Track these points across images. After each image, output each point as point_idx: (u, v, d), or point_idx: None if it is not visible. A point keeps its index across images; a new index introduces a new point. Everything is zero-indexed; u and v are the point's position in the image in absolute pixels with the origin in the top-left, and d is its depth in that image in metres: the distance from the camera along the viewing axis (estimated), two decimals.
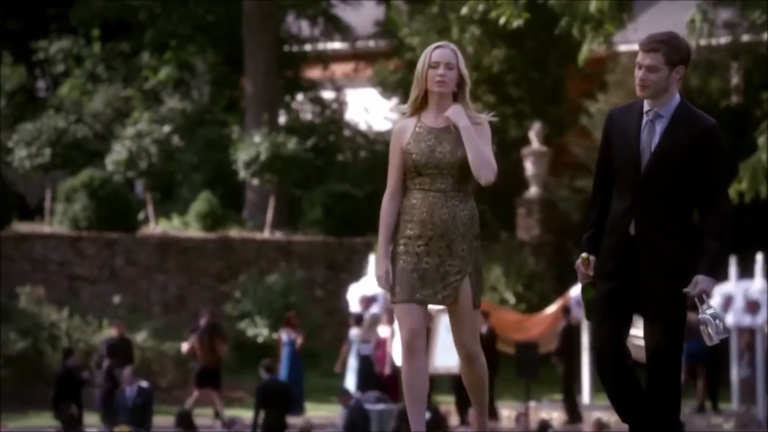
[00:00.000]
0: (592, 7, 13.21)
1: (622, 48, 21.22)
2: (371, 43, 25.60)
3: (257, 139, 21.02)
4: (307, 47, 25.65)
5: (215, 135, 23.30)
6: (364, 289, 17.24)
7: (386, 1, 25.29)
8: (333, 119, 25.05)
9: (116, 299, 19.21)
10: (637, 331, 4.97)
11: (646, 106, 5.03)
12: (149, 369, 17.62)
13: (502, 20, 13.33)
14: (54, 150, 20.28)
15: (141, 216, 21.18)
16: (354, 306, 17.42)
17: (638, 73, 4.99)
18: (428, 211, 5.13)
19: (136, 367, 15.88)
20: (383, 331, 16.72)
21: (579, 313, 16.72)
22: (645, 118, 5.02)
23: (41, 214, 20.82)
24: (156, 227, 21.15)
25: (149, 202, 21.45)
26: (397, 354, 16.93)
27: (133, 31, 24.79)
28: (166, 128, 21.91)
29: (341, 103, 25.16)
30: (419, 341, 5.13)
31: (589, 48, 13.90)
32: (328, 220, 21.15)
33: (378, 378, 16.38)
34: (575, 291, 16.92)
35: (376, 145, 24.40)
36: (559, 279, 20.57)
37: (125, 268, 20.03)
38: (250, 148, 21.00)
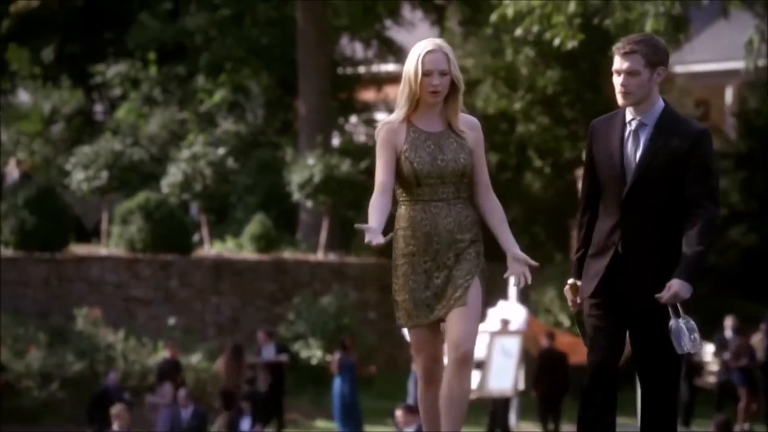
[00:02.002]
0: (648, 27, 13.11)
1: (678, 69, 21.05)
2: None
3: (311, 161, 21.08)
4: (361, 69, 25.72)
5: (269, 157, 23.42)
6: None
7: (440, 23, 25.32)
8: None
9: (171, 321, 19.32)
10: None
11: (628, 116, 4.73)
12: (204, 390, 17.68)
13: (556, 41, 13.28)
14: (110, 172, 20.48)
15: (195, 238, 21.31)
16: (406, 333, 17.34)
17: (617, 80, 4.69)
18: (432, 223, 4.75)
19: (191, 389, 15.95)
20: None
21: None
22: (628, 128, 4.71)
23: (98, 236, 21.01)
24: (210, 249, 21.26)
25: (204, 224, 21.58)
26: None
27: (189, 54, 25.02)
28: (221, 150, 22.05)
29: None
30: (439, 369, 4.78)
31: None
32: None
33: None
34: None
35: None
36: None
37: (180, 290, 20.14)
38: (303, 170, 21.07)
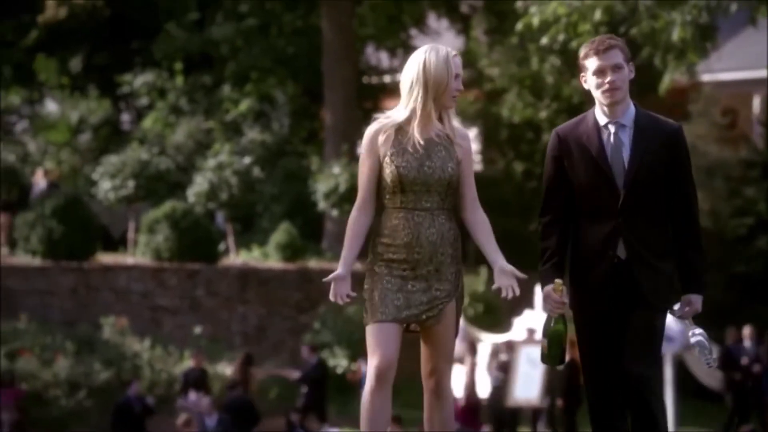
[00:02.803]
0: (675, 36, 13.06)
1: (705, 78, 20.96)
2: None
3: (336, 170, 21.11)
4: (387, 78, 25.74)
5: (295, 166, 23.46)
6: None
7: (465, 32, 25.32)
8: None
9: (197, 330, 19.38)
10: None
11: (602, 119, 4.59)
12: None
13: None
14: (137, 182, 20.57)
15: (222, 247, 21.37)
16: None
17: (604, 79, 4.52)
18: (414, 233, 4.57)
19: (216, 397, 15.98)
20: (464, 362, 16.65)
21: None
22: (606, 132, 4.56)
23: (125, 245, 21.10)
24: (236, 258, 21.31)
25: (230, 233, 21.63)
26: (479, 384, 16.82)
27: (215, 64, 25.12)
28: (247, 160, 22.11)
29: None
30: (392, 372, 4.62)
31: (671, 78, 13.75)
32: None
33: (459, 409, 16.29)
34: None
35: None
36: None
37: (206, 299, 20.20)
38: (329, 179, 21.10)
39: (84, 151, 24.44)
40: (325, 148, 23.15)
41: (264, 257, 21.28)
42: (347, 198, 20.98)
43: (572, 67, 22.28)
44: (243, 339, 20.34)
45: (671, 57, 13.39)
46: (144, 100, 25.19)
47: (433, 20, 25.70)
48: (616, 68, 4.55)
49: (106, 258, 20.22)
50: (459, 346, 16.70)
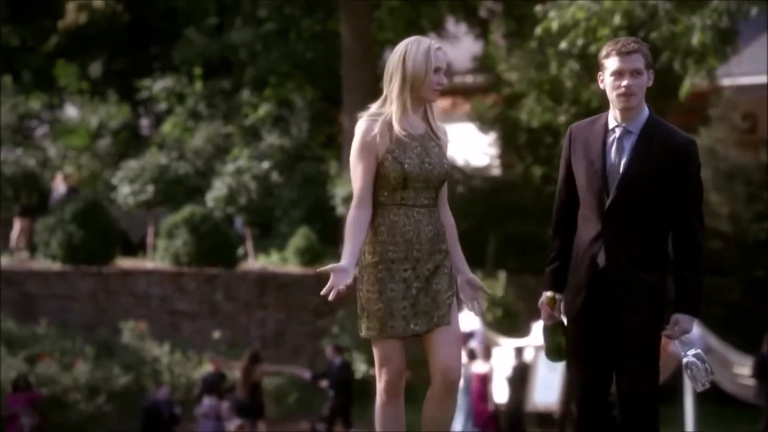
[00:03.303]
0: (695, 40, 13.01)
1: (726, 82, 20.87)
2: (469, 79, 25.60)
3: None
4: None
5: (313, 171, 23.48)
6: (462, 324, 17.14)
7: (484, 37, 25.29)
8: None
9: (216, 334, 19.40)
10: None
11: (611, 122, 4.47)
12: None
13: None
14: (156, 186, 20.62)
15: (240, 252, 21.40)
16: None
17: (621, 82, 4.39)
18: (414, 230, 4.50)
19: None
20: (480, 366, 16.59)
21: (679, 350, 16.37)
22: (612, 135, 4.44)
23: (144, 249, 21.15)
24: (255, 263, 21.33)
25: (248, 238, 21.66)
26: (497, 391, 16.78)
27: (234, 69, 25.17)
28: (265, 164, 22.14)
29: None
30: (402, 383, 4.61)
31: (691, 82, 13.69)
32: None
33: (478, 415, 16.25)
34: None
35: (474, 180, 24.33)
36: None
37: (225, 304, 20.23)
38: (347, 184, 21.12)
39: (103, 155, 24.52)
40: (344, 152, 23.16)
41: (282, 262, 21.30)
42: None
43: (591, 71, 22.22)
44: (262, 343, 20.35)
45: (691, 61, 13.33)
46: (163, 105, 25.26)
47: (451, 24, 25.68)
48: (635, 73, 4.44)
49: (125, 262, 20.27)
50: (479, 351, 16.66)
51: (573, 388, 4.53)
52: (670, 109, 22.58)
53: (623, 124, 4.45)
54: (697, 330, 16.56)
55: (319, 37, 24.85)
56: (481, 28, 25.42)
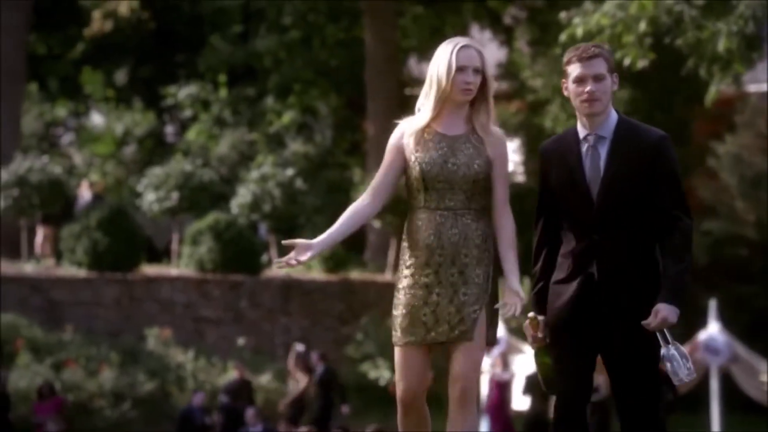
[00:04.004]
0: (721, 46, 12.95)
1: (752, 88, 20.78)
2: (493, 86, 25.56)
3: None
4: None
5: (337, 178, 23.52)
6: None
7: (509, 43, 25.27)
8: None
9: (240, 341, 19.43)
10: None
11: (581, 132, 4.38)
12: (273, 410, 17.73)
13: (626, 61, 13.16)
14: (181, 193, 20.67)
15: (264, 258, 21.44)
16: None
17: (583, 88, 4.31)
18: (435, 233, 4.36)
19: (261, 409, 16.01)
20: (500, 374, 16.55)
21: (708, 358, 16.29)
22: (585, 144, 4.37)
23: (168, 256, 21.21)
24: (279, 269, 21.34)
25: (272, 245, 21.69)
26: (516, 398, 16.72)
27: (258, 76, 25.24)
28: (290, 171, 22.18)
29: None
30: (422, 394, 4.43)
31: (717, 89, 13.62)
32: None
33: (497, 422, 16.21)
34: (704, 335, 16.51)
35: None
36: (686, 324, 20.09)
37: (249, 310, 20.26)
38: None
39: (129, 163, 24.63)
40: (368, 159, 23.16)
41: (306, 269, 21.32)
42: (390, 209, 20.96)
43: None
44: (286, 350, 20.36)
45: (717, 68, 13.25)
46: (188, 112, 25.35)
47: (476, 31, 25.67)
48: (597, 78, 4.34)
49: (150, 269, 20.33)
50: (497, 360, 16.60)
51: (557, 396, 4.38)
52: (695, 116, 22.49)
53: (594, 132, 4.37)
54: (724, 338, 16.49)
55: (344, 44, 24.89)
56: (505, 35, 25.40)
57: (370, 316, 20.39)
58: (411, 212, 4.46)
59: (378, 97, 23.04)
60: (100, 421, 17.17)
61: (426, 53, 25.53)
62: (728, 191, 21.11)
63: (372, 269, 21.83)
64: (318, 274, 21.04)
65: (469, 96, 4.45)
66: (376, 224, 21.65)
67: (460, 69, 4.44)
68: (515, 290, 4.39)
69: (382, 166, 4.52)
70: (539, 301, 4.43)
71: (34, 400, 15.70)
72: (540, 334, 4.37)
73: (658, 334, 4.25)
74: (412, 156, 4.46)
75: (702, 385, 16.77)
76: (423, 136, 4.47)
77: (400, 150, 4.48)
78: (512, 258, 4.46)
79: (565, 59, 4.44)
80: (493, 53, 25.51)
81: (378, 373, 19.71)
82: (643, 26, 13.30)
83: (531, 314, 4.39)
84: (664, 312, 4.23)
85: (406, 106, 25.55)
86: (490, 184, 4.47)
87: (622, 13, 13.30)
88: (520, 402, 16.62)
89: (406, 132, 4.50)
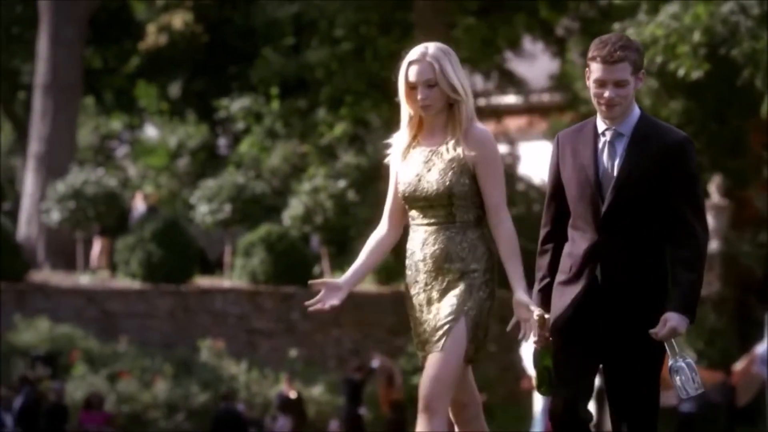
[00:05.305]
0: None
1: None
2: (545, 97, 25.47)
3: None
4: (481, 101, 25.69)
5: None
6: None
7: (561, 55, 25.16)
8: (506, 173, 24.97)
9: (293, 353, 19.47)
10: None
11: (601, 126, 4.21)
12: (325, 422, 17.75)
13: (681, 72, 13.06)
14: (234, 205, 20.78)
15: (316, 270, 21.47)
16: (528, 361, 17.19)
17: (603, 92, 4.14)
18: (421, 250, 4.34)
19: (312, 421, 16.01)
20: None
21: (765, 371, 16.09)
22: (602, 139, 4.19)
23: (221, 268, 21.32)
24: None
25: (324, 257, 21.73)
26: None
27: (310, 88, 25.33)
28: (341, 183, 22.22)
29: (515, 157, 25.08)
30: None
31: None
32: (500, 275, 21.00)
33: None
34: (760, 348, 16.30)
35: None
36: (742, 335, 19.86)
37: (301, 322, 20.30)
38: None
39: (182, 175, 24.80)
40: None
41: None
42: None
43: (670, 89, 21.99)
44: (338, 362, 20.38)
45: None
46: (240, 125, 25.49)
47: (528, 43, 25.60)
48: (618, 84, 4.15)
49: (203, 281, 20.45)
50: None
51: (556, 401, 4.18)
52: (751, 127, 22.24)
53: (613, 127, 4.20)
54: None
55: (395, 56, 24.88)
56: (557, 47, 25.29)
57: None
58: (408, 230, 4.44)
59: None
60: None
61: (477, 65, 25.49)
62: None
63: None
64: (370, 286, 21.04)
65: (430, 110, 4.33)
66: None
67: (412, 87, 4.33)
68: (523, 302, 4.25)
69: (389, 190, 4.47)
70: (544, 298, 4.27)
71: (82, 408, 15.82)
72: (547, 333, 4.20)
73: (666, 345, 4.07)
74: (396, 176, 4.43)
75: (760, 397, 16.54)
76: (408, 151, 4.41)
77: (392, 170, 4.46)
78: (514, 267, 4.33)
79: (589, 52, 4.23)
80: (546, 65, 25.41)
81: None
82: (697, 36, 13.19)
83: (538, 311, 4.23)
84: (673, 321, 4.04)
85: None
86: (477, 190, 4.33)
87: (677, 24, 13.19)
88: None
89: (393, 151, 4.46)
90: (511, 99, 25.76)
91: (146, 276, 19.48)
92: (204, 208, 20.96)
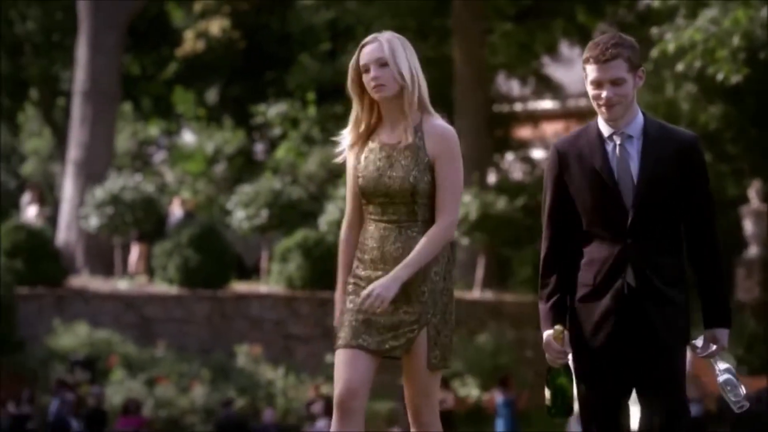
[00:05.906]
0: None
1: None
2: (582, 102, 25.36)
3: (467, 198, 21.06)
4: (518, 106, 25.63)
5: None
6: None
7: None
8: (543, 178, 24.88)
9: (329, 358, 19.48)
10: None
11: (605, 129, 4.08)
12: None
13: (719, 76, 12.96)
14: (270, 211, 20.84)
15: None
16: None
17: (600, 92, 4.03)
18: (379, 247, 4.15)
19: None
20: None
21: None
22: (611, 143, 4.07)
23: (258, 273, 21.38)
24: None
25: None
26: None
27: (346, 93, 25.36)
28: None
29: None
30: (356, 401, 4.11)
31: None
32: (538, 280, 20.92)
33: None
34: None
35: None
36: None
37: None
38: (460, 208, 21.06)
39: (219, 180, 24.90)
40: None
41: None
42: (478, 226, 20.89)
43: (709, 93, 21.84)
44: None
45: None
46: (277, 130, 25.56)
47: (565, 48, 25.51)
48: (615, 82, 4.05)
49: (239, 286, 20.51)
50: None
51: (588, 420, 4.03)
52: None
53: (622, 130, 4.09)
54: None
55: (432, 62, 24.87)
56: None
57: (458, 334, 20.31)
58: (364, 222, 4.24)
59: (466, 114, 22.99)
60: None
61: (515, 70, 25.43)
62: None
63: (460, 286, 21.74)
64: None
65: (383, 91, 4.17)
66: (465, 242, 21.58)
67: (365, 69, 4.20)
68: (384, 282, 4.08)
69: (347, 191, 4.30)
70: (557, 314, 4.15)
71: (120, 413, 15.91)
72: (567, 348, 4.06)
73: (711, 361, 4.01)
74: (354, 170, 4.26)
75: None
76: (368, 145, 4.25)
77: (350, 167, 4.28)
78: (410, 261, 4.10)
79: (583, 56, 4.15)
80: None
81: (466, 390, 19.61)
82: (736, 41, 13.09)
83: (558, 326, 4.10)
84: (723, 339, 4.01)
85: (494, 123, 25.55)
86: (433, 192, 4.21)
87: (716, 28, 13.10)
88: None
89: (345, 149, 4.31)
90: (548, 104, 25.68)
91: (183, 281, 19.56)
92: (241, 213, 21.03)
